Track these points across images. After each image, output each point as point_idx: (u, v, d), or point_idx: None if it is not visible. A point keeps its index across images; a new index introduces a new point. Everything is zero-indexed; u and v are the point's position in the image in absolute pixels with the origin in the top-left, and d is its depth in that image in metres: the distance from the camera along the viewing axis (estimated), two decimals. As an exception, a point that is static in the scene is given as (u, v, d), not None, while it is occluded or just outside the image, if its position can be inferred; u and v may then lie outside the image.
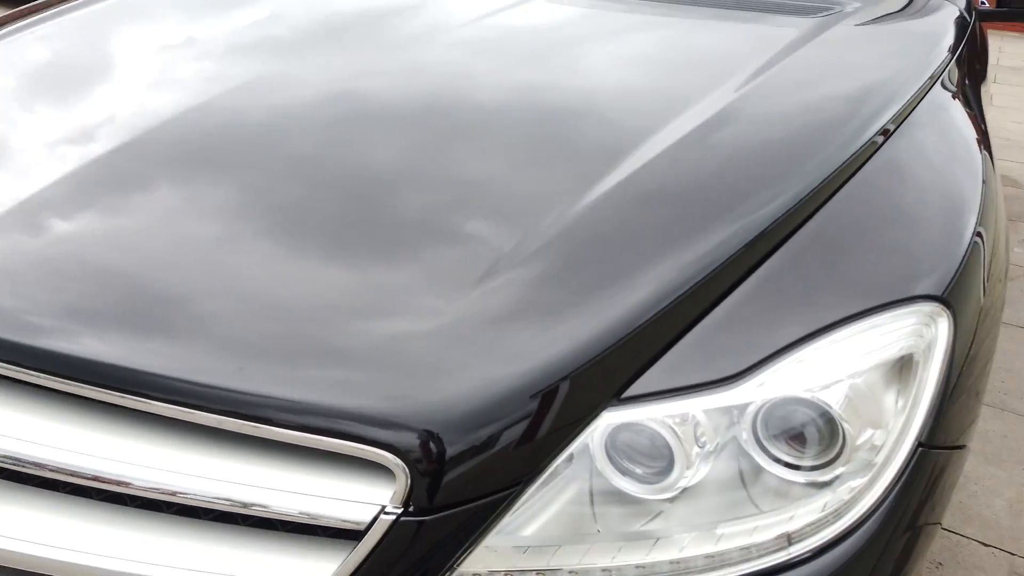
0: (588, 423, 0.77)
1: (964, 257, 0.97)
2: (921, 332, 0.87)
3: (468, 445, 0.70)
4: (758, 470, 0.83)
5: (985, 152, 1.26)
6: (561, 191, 0.95)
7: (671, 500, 0.82)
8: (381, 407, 0.69)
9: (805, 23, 1.49)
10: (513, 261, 0.83)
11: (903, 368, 0.86)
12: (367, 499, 0.70)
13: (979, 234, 1.04)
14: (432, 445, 0.69)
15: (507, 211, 0.93)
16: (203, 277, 0.82)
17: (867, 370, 0.82)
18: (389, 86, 1.24)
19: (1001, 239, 1.17)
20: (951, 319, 0.89)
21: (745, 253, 0.87)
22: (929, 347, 0.87)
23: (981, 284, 1.04)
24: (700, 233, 0.88)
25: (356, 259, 0.85)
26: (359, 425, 0.69)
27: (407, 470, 0.69)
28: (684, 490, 0.81)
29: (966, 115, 1.35)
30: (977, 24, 2.19)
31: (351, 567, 0.70)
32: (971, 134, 1.28)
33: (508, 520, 0.80)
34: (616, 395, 0.78)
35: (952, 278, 0.93)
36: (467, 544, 0.75)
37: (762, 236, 0.89)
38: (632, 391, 0.78)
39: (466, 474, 0.71)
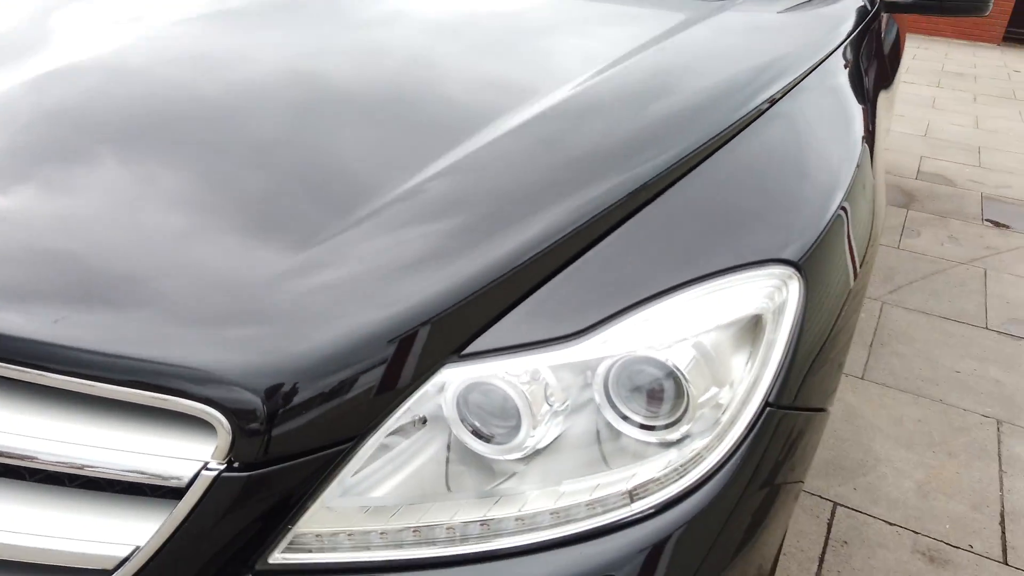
0: (426, 379, 0.77)
1: (824, 230, 0.99)
2: (772, 295, 0.88)
3: (292, 400, 0.70)
4: (608, 429, 0.84)
5: (867, 145, 1.29)
6: (416, 155, 0.95)
7: (522, 460, 0.83)
8: (200, 360, 0.68)
9: (700, 6, 1.52)
10: (351, 221, 0.83)
11: (752, 329, 0.87)
12: (190, 455, 0.69)
13: (844, 210, 1.06)
14: (254, 399, 0.68)
15: (353, 173, 0.92)
16: (21, 228, 0.80)
17: (714, 329, 0.83)
18: (259, 56, 1.23)
19: (870, 225, 1.20)
20: (803, 284, 0.91)
21: (599, 216, 0.88)
22: (780, 310, 0.88)
23: (846, 262, 1.07)
24: (552, 195, 0.89)
25: (189, 211, 0.84)
26: (178, 379, 0.68)
27: (228, 424, 0.68)
28: (535, 450, 0.82)
29: (854, 103, 1.38)
30: (888, 20, 2.23)
31: (173, 525, 0.69)
32: (854, 120, 1.31)
33: (356, 481, 0.79)
34: (457, 351, 0.78)
35: (809, 248, 0.94)
36: (301, 502, 0.74)
37: (617, 201, 0.90)
38: (474, 347, 0.78)
39: (292, 429, 0.70)
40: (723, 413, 0.83)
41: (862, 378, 2.31)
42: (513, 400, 0.79)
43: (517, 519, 0.78)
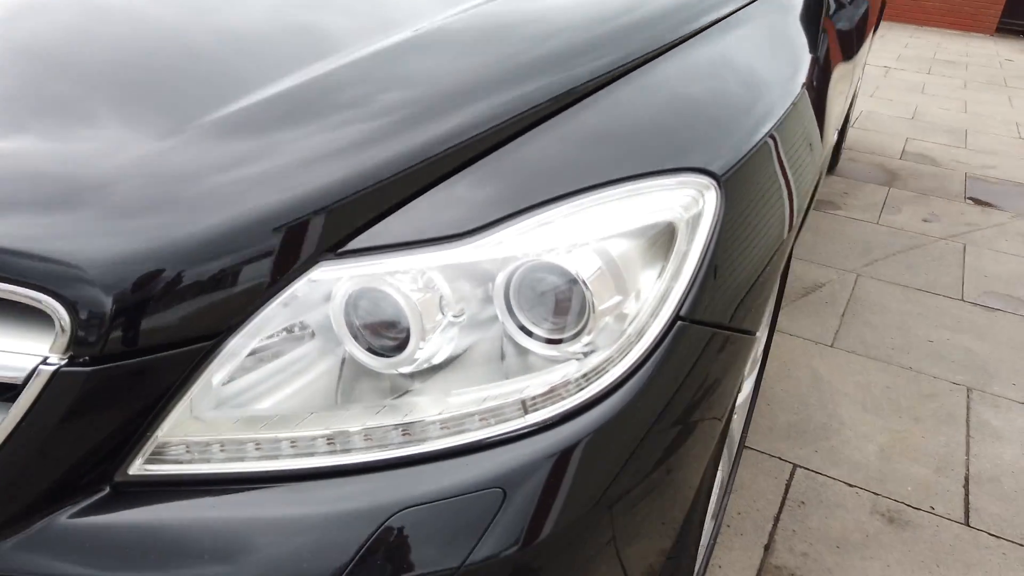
0: (297, 276, 0.72)
1: (749, 152, 0.94)
2: (687, 204, 0.83)
3: (140, 291, 0.65)
4: (510, 344, 0.79)
5: (807, 93, 1.26)
6: (312, 50, 0.90)
7: (418, 377, 0.78)
8: (35, 245, 0.63)
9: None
10: (219, 113, 0.78)
11: (665, 242, 0.82)
12: (30, 350, 0.64)
13: (773, 140, 1.02)
14: (93, 288, 0.63)
15: (237, 65, 0.87)
16: None
17: (621, 235, 0.78)
18: None
19: (807, 174, 1.17)
20: (722, 197, 0.86)
21: (509, 120, 0.84)
22: (695, 220, 0.84)
23: (776, 190, 1.03)
24: (460, 97, 0.84)
25: (51, 101, 0.79)
26: (9, 265, 0.63)
27: (65, 314, 0.63)
28: (430, 365, 0.77)
29: (802, 49, 1.33)
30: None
31: (10, 425, 0.64)
32: (798, 65, 1.27)
33: (233, 392, 0.75)
34: (334, 249, 0.73)
35: (732, 165, 0.90)
36: (161, 407, 0.69)
37: (530, 107, 0.86)
38: (353, 245, 0.74)
39: (140, 323, 0.65)
40: (629, 324, 0.78)
41: (831, 346, 2.27)
42: (402, 308, 0.74)
43: (404, 431, 0.73)
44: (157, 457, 0.71)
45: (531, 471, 0.73)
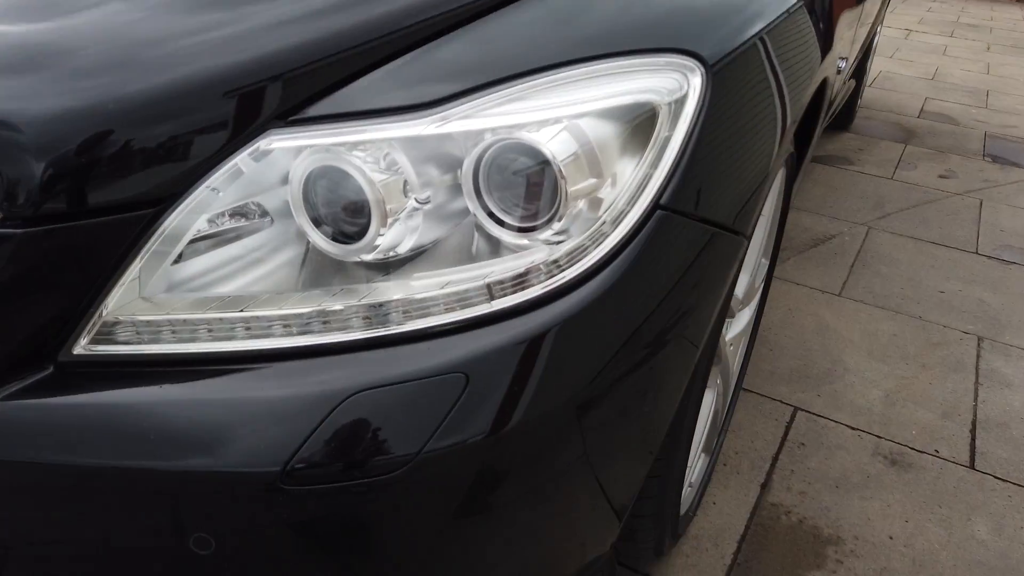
0: (245, 141, 0.68)
1: (739, 47, 0.90)
2: (670, 87, 0.78)
3: (78, 151, 0.61)
4: (475, 231, 0.75)
5: (803, 6, 1.21)
6: None
7: (381, 268, 0.74)
8: None
9: None
10: None
11: (646, 129, 0.77)
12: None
13: (763, 42, 0.97)
14: (31, 147, 0.60)
15: None
16: None
17: (596, 114, 0.74)
18: None
19: (799, 78, 1.13)
20: (709, 83, 0.81)
21: None
22: (678, 104, 0.79)
23: (772, 98, 0.98)
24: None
25: None
26: None
27: None
28: (394, 254, 0.74)
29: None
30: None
31: None
32: None
33: (188, 275, 0.72)
34: (283, 116, 0.69)
35: (721, 56, 0.85)
36: (104, 282, 0.66)
37: None
38: (306, 113, 0.69)
39: (77, 184, 0.62)
40: (604, 211, 0.74)
41: (839, 295, 2.21)
42: (363, 190, 0.70)
43: (364, 316, 0.69)
44: (104, 337, 0.68)
45: (496, 358, 0.69)
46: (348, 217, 0.73)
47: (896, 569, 1.34)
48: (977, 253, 2.53)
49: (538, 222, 0.73)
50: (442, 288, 0.70)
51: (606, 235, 0.74)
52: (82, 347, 0.67)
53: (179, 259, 0.70)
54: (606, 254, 0.73)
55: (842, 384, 1.82)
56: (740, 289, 1.31)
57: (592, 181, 0.73)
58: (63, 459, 0.64)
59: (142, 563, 0.69)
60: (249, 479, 0.64)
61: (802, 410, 1.72)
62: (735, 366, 1.50)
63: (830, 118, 2.79)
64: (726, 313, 1.00)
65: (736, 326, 1.40)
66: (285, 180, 0.72)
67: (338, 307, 0.69)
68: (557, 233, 0.73)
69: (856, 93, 3.46)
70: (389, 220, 0.71)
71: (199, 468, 0.64)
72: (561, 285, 0.71)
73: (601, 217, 0.74)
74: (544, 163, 0.71)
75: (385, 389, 0.66)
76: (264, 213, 0.74)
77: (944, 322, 2.11)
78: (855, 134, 3.64)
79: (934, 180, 3.14)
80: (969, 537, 1.41)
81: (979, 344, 2.02)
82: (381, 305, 0.69)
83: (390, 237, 0.72)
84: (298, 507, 0.65)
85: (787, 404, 1.73)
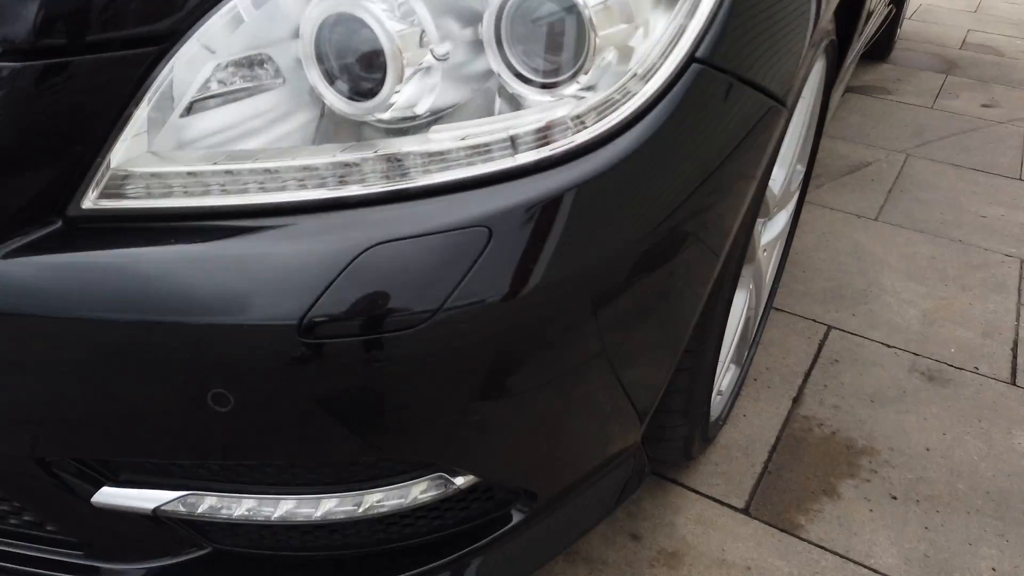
0: None
1: None
2: None
3: None
4: (497, 91, 0.71)
5: None
6: None
7: (399, 130, 0.71)
8: None
9: None
10: None
11: None
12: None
13: None
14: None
15: None
16: None
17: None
18: None
19: None
20: None
21: None
22: None
23: None
24: None
25: None
26: None
27: None
28: (408, 110, 0.70)
29: None
30: None
31: None
32: None
33: (199, 133, 0.69)
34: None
35: None
36: (110, 131, 0.63)
37: None
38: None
39: (77, 17, 0.59)
40: (635, 63, 0.70)
41: (875, 219, 2.14)
42: (379, 42, 0.66)
43: (382, 168, 0.66)
44: (114, 192, 0.65)
45: (519, 213, 0.65)
46: (362, 71, 0.69)
47: (932, 479, 1.30)
48: (1021, 179, 2.43)
49: (563, 76, 0.69)
50: (463, 140, 0.66)
51: (637, 88, 0.69)
52: (91, 201, 0.65)
53: (188, 113, 0.67)
54: (637, 108, 0.69)
55: (878, 304, 1.76)
56: (776, 185, 1.26)
57: (623, 27, 0.68)
58: (74, 313, 0.63)
59: (159, 421, 0.68)
60: (266, 332, 0.62)
61: (836, 328, 1.67)
62: (768, 276, 1.45)
63: (869, 43, 2.68)
64: (763, 195, 0.96)
65: (770, 230, 1.35)
66: (296, 35, 0.68)
67: (354, 158, 0.66)
68: (584, 88, 0.69)
69: (896, 21, 3.32)
70: (406, 75, 0.67)
71: (215, 322, 0.62)
72: (587, 141, 0.67)
73: (631, 70, 0.70)
74: (570, 8, 0.66)
75: (406, 241, 0.63)
76: (276, 73, 0.71)
77: (985, 245, 2.04)
78: (893, 64, 3.50)
79: (976, 109, 3.02)
80: (1010, 449, 1.37)
81: (1022, 266, 1.95)
82: (399, 158, 0.66)
83: (407, 94, 0.68)
84: (316, 362, 0.63)
85: (820, 323, 1.69)
